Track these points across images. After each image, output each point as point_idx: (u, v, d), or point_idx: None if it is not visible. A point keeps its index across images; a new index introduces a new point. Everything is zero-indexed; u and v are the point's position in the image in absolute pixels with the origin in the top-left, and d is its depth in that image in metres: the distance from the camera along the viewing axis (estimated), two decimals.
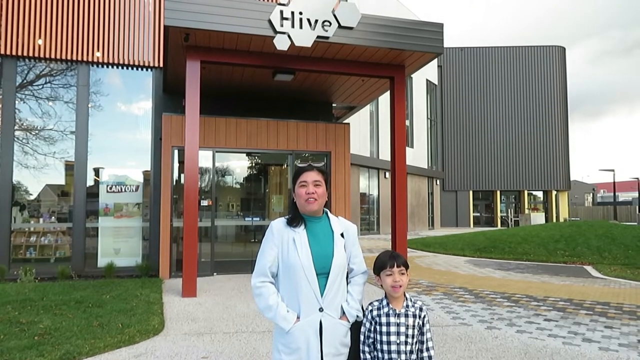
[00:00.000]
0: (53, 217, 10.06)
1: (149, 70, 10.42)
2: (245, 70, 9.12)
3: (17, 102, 9.82)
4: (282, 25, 7.31)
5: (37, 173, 9.92)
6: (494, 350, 4.77)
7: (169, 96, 10.35)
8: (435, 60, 31.57)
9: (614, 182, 35.71)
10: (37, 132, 9.98)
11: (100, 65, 10.10)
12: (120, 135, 10.45)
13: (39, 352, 4.45)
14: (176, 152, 9.53)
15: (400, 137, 8.77)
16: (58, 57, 9.71)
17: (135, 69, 10.34)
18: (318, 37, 7.44)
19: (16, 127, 9.79)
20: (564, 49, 36.04)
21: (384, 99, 22.48)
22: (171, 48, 7.98)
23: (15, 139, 9.77)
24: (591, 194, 70.39)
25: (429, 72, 30.53)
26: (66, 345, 4.67)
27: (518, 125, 34.89)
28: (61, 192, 10.16)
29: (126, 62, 10.12)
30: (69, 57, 9.77)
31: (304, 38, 7.40)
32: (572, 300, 7.29)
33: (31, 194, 10.02)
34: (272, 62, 8.13)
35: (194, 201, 7.58)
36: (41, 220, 9.98)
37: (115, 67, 10.20)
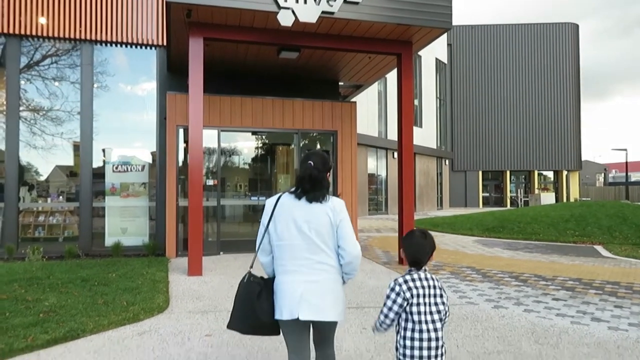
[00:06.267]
0: (61, 197, 10.09)
1: (153, 49, 10.30)
2: (249, 48, 8.98)
3: (23, 82, 9.79)
4: (285, 0, 7.14)
5: (46, 154, 9.92)
6: (501, 330, 4.71)
7: (174, 75, 10.24)
8: (445, 38, 31.10)
9: (627, 162, 35.17)
10: (44, 112, 9.96)
11: (103, 44, 9.99)
12: (125, 115, 10.40)
13: (44, 329, 4.45)
14: (181, 131, 9.46)
15: (408, 115, 8.62)
16: (61, 35, 9.61)
17: (139, 47, 10.22)
18: (323, 12, 7.27)
19: (23, 108, 9.77)
20: (577, 26, 35.22)
21: (393, 79, 22.17)
22: (174, 25, 7.85)
23: (23, 119, 9.76)
24: (602, 174, 69.55)
25: (439, 50, 30.06)
26: (70, 322, 4.68)
27: (529, 104, 34.36)
28: (69, 172, 10.19)
29: (129, 41, 10.00)
30: (71, 36, 9.67)
31: (308, 13, 7.22)
32: (581, 279, 7.20)
33: (41, 175, 10.06)
34: (277, 38, 7.98)
35: (199, 180, 7.54)
36: (49, 200, 10.02)
37: (118, 45, 10.09)
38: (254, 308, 2.58)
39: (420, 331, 2.29)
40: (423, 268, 2.45)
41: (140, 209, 10.19)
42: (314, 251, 2.55)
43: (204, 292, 6.26)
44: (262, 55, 9.44)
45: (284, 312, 2.53)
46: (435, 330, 2.31)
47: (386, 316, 2.39)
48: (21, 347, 4.02)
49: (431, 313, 2.32)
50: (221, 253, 9.56)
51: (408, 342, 2.31)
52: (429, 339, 2.28)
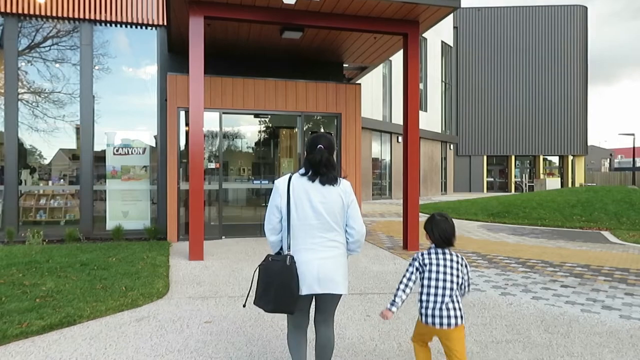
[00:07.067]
0: (62, 180, 9.98)
1: (154, 29, 10.08)
2: (251, 28, 8.75)
3: (23, 64, 9.61)
4: None
5: (48, 137, 9.80)
6: (509, 317, 4.57)
7: (175, 56, 10.04)
8: (451, 21, 30.57)
9: (634, 147, 34.74)
10: (45, 95, 9.80)
11: (103, 24, 9.78)
12: (126, 98, 10.23)
13: (39, 314, 4.35)
14: (182, 113, 9.28)
15: (414, 97, 8.40)
16: (59, 15, 9.41)
17: (139, 27, 10.00)
18: None
19: (24, 90, 9.61)
20: (586, 8, 34.58)
21: (398, 63, 21.82)
22: (174, 3, 7.62)
23: (25, 102, 9.61)
24: (608, 159, 69.03)
25: (445, 33, 29.56)
26: (67, 308, 4.57)
27: (535, 88, 33.91)
28: (72, 155, 10.06)
29: (129, 21, 9.78)
30: (70, 15, 9.46)
31: None
32: (589, 266, 7.05)
33: (45, 158, 9.95)
34: (280, 17, 7.74)
35: (200, 163, 7.38)
36: (50, 183, 9.91)
37: (118, 25, 9.87)
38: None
39: (432, 294, 2.73)
40: (446, 249, 2.81)
41: (142, 192, 10.07)
42: (327, 229, 2.73)
43: (204, 277, 6.14)
44: (265, 36, 9.21)
45: (302, 288, 2.67)
46: (445, 294, 2.71)
47: (407, 279, 2.82)
48: (15, 333, 3.91)
49: (444, 280, 2.72)
50: (223, 237, 9.45)
51: (424, 297, 2.78)
52: (442, 302, 2.70)
